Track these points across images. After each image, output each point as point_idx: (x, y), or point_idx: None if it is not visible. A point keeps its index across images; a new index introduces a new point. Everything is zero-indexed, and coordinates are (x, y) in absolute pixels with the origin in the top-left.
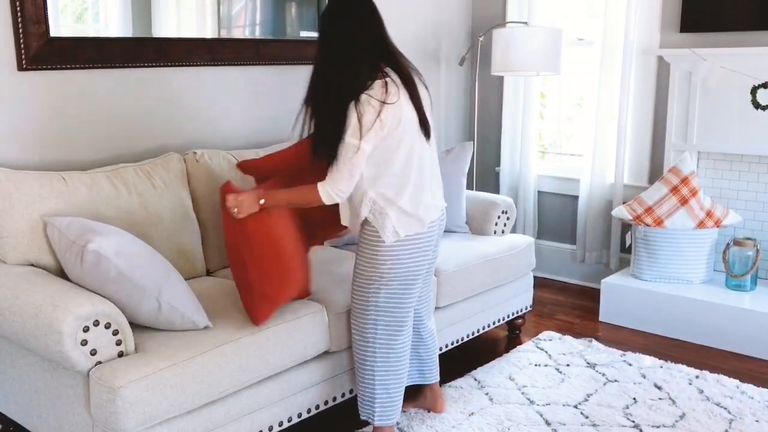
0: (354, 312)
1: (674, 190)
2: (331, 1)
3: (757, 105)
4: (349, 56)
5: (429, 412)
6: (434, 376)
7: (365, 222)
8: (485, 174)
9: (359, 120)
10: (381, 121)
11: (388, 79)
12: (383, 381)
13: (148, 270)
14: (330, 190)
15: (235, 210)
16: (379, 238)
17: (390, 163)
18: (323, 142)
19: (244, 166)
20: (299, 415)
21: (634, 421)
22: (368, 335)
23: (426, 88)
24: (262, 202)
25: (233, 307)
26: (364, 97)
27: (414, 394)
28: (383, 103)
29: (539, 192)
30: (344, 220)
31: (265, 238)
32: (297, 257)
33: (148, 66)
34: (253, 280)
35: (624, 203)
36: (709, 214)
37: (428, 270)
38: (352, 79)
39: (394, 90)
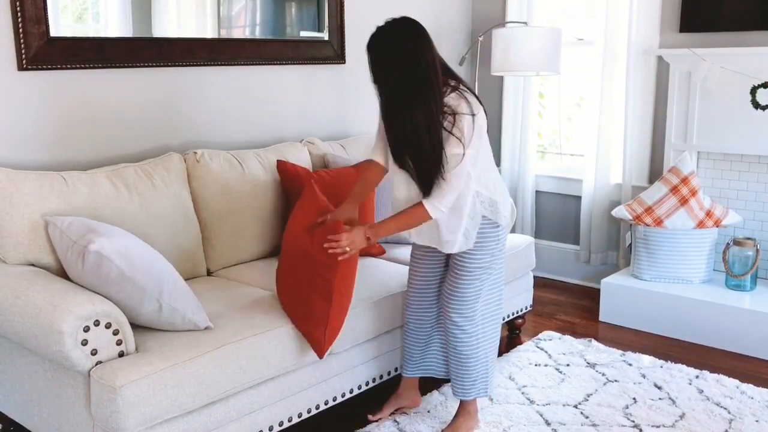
0: (462, 305)
1: (674, 190)
2: (391, 33)
3: (756, 105)
4: (432, 83)
5: (409, 410)
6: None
7: (481, 219)
8: None
9: (461, 133)
10: (477, 128)
11: (461, 91)
12: (492, 356)
13: (149, 271)
14: (438, 205)
15: (348, 249)
16: (496, 225)
17: (486, 156)
18: (428, 171)
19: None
20: (299, 415)
21: (634, 421)
22: (477, 321)
23: None
24: (368, 237)
25: (234, 307)
26: (458, 116)
27: (393, 395)
28: (473, 115)
29: (539, 192)
30: (450, 246)
31: (352, 275)
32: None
33: (148, 66)
34: (333, 315)
35: (624, 203)
36: (708, 214)
37: None
38: (441, 96)
39: (473, 99)
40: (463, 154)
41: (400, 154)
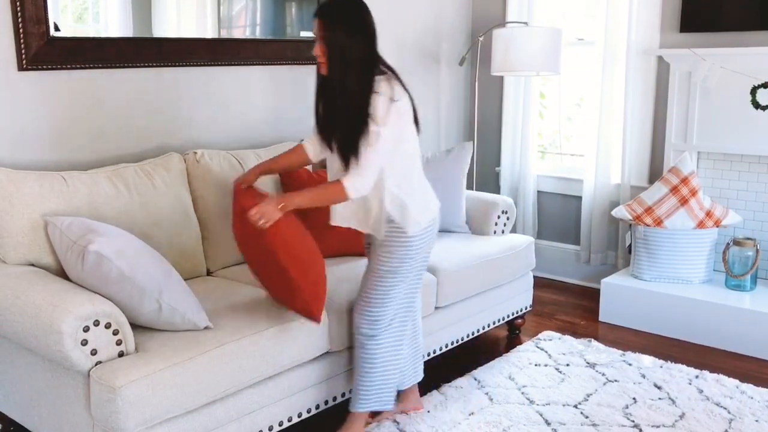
0: (368, 307)
1: (674, 190)
2: (343, 9)
3: (756, 105)
4: (370, 65)
5: (410, 413)
6: (420, 375)
7: (388, 221)
8: (485, 174)
9: (375, 111)
10: (397, 111)
11: (390, 76)
12: (387, 370)
13: (149, 271)
14: (356, 183)
15: (262, 221)
16: (405, 232)
17: (401, 153)
18: (351, 144)
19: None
20: (299, 415)
21: (633, 421)
22: (381, 328)
23: None
24: (281, 206)
25: (234, 307)
26: (374, 94)
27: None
28: (392, 99)
29: (540, 192)
30: (363, 226)
31: (293, 237)
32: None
33: (148, 66)
34: (298, 278)
35: (624, 203)
36: (708, 214)
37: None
38: (370, 86)
39: (398, 86)
40: (378, 132)
41: (330, 124)
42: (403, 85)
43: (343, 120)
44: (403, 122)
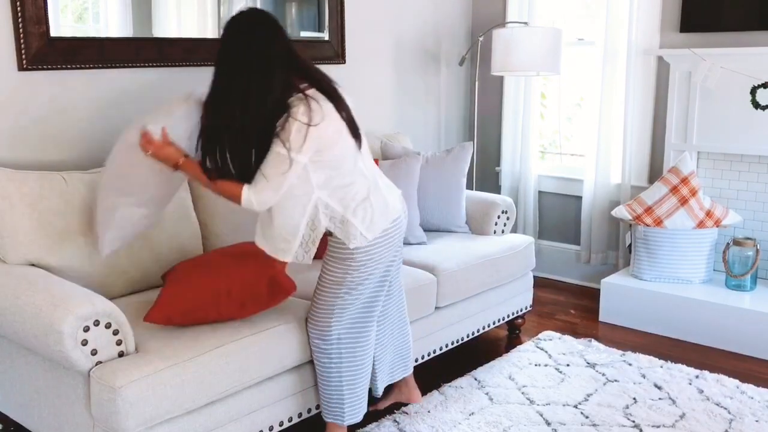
0: (315, 317)
1: (674, 190)
2: (237, 19)
3: (756, 105)
4: (265, 71)
5: (406, 405)
6: (410, 369)
7: (328, 234)
8: (485, 174)
9: (288, 136)
10: (313, 139)
11: (308, 97)
12: (350, 382)
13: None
14: (253, 197)
15: (151, 150)
16: (347, 246)
17: (339, 168)
18: (241, 160)
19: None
20: (299, 415)
21: (634, 421)
22: (331, 341)
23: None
24: (182, 161)
25: None
26: (290, 119)
27: (388, 389)
28: (308, 125)
29: (540, 192)
30: (288, 255)
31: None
32: None
33: (148, 66)
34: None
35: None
36: (708, 214)
37: (397, 267)
38: (269, 93)
39: (317, 107)
40: (290, 158)
41: (213, 142)
42: (339, 101)
43: (234, 142)
44: (335, 143)
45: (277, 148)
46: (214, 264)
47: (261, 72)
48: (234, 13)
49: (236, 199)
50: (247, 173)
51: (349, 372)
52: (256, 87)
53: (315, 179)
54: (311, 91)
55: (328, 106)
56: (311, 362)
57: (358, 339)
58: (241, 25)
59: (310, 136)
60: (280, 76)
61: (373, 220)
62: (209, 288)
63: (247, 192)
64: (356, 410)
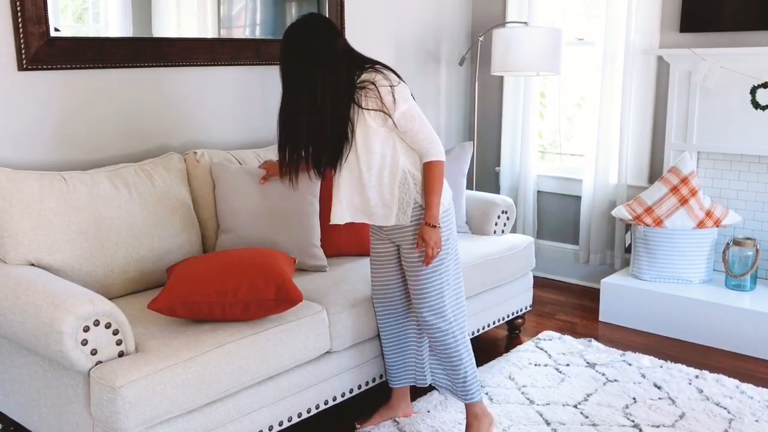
0: (428, 302)
1: (674, 190)
2: (301, 23)
3: (756, 105)
4: (332, 61)
5: (399, 419)
6: (429, 378)
7: (414, 204)
8: (485, 174)
9: (389, 98)
10: (401, 94)
11: (376, 68)
12: (470, 357)
13: None
14: (436, 148)
15: (437, 251)
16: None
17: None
18: (318, 144)
19: None
20: (299, 415)
21: (633, 421)
22: (449, 317)
23: None
24: (435, 226)
25: None
26: (378, 87)
27: (384, 406)
28: (392, 86)
29: (539, 192)
30: (386, 219)
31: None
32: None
33: (148, 66)
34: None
35: (623, 203)
36: (708, 214)
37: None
38: (339, 78)
39: (388, 72)
40: (405, 109)
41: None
42: (392, 70)
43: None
44: (412, 100)
45: (398, 111)
46: (224, 262)
47: (329, 63)
48: (293, 19)
49: (442, 165)
50: (323, 157)
51: (467, 347)
52: (328, 76)
53: (399, 145)
54: (377, 66)
55: (394, 73)
56: (312, 362)
57: (461, 312)
58: (304, 27)
59: (399, 93)
60: (345, 65)
61: (445, 188)
62: (216, 283)
63: (433, 156)
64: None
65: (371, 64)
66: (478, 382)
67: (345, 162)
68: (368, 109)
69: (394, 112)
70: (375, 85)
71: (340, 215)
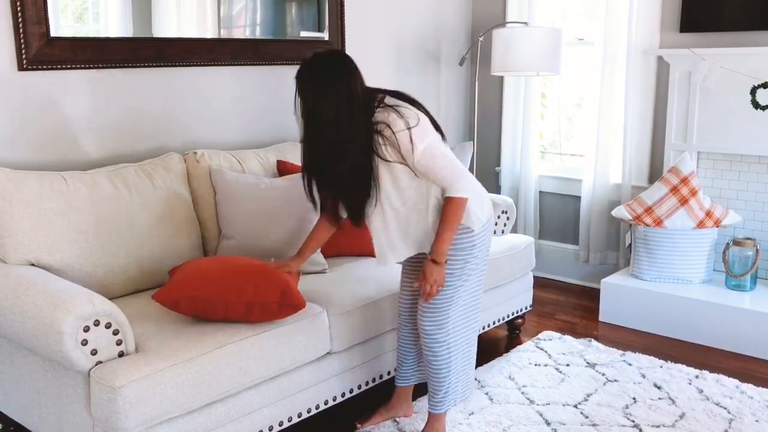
0: (431, 312)
1: (674, 190)
2: (314, 67)
3: (756, 105)
4: (354, 114)
5: (399, 419)
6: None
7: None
8: (485, 174)
9: (408, 142)
10: (419, 132)
11: (387, 106)
12: (462, 368)
13: None
14: (459, 185)
15: (439, 288)
16: (469, 230)
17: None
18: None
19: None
20: (299, 415)
21: (633, 421)
22: (449, 327)
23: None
24: (441, 262)
25: None
26: (395, 134)
27: (385, 406)
28: (409, 129)
29: (540, 192)
30: (420, 245)
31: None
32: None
33: (148, 66)
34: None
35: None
36: (708, 214)
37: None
38: (362, 133)
39: (403, 110)
40: (425, 148)
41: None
42: (408, 99)
43: (353, 181)
44: (431, 135)
45: (415, 154)
46: (231, 264)
47: (349, 125)
48: (293, 19)
49: (463, 202)
50: (348, 197)
51: (467, 356)
52: (347, 135)
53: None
54: (387, 99)
55: (407, 106)
56: (312, 363)
57: (468, 323)
58: (325, 78)
59: (416, 134)
60: (364, 110)
61: (483, 203)
62: (221, 282)
63: (455, 192)
64: (468, 389)
65: (381, 99)
66: (453, 399)
67: (376, 207)
68: (388, 161)
69: (412, 156)
70: (391, 129)
71: (388, 258)
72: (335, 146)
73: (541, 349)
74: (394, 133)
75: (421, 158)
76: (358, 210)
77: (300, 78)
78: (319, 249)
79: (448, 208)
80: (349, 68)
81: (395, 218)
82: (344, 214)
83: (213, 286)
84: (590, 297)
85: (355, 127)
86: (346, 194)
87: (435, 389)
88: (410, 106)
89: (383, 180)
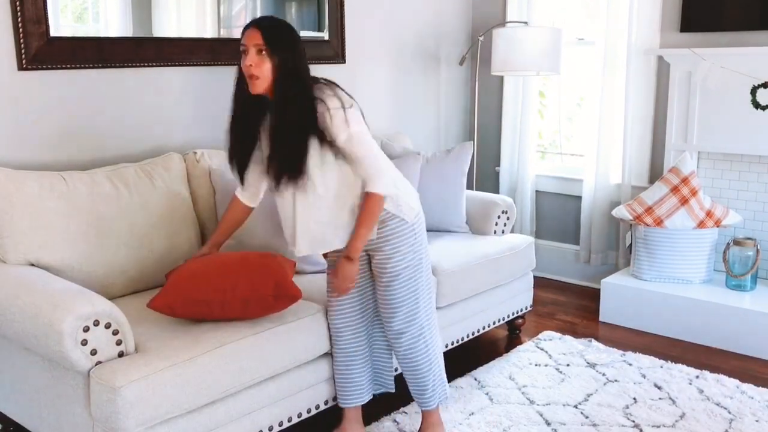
0: (402, 311)
1: (674, 190)
2: (283, 25)
3: (757, 105)
4: (309, 76)
5: (406, 404)
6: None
7: (384, 219)
8: (485, 174)
9: (333, 121)
10: (354, 114)
11: (326, 84)
12: (439, 358)
13: None
14: (382, 182)
15: (350, 285)
16: (404, 221)
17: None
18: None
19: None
20: (299, 415)
21: (634, 421)
22: (422, 322)
23: None
24: (352, 260)
25: None
26: (332, 111)
27: (335, 428)
28: (344, 108)
29: (539, 192)
30: (340, 242)
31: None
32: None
33: (148, 66)
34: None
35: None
36: (709, 214)
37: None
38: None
39: (340, 90)
40: (354, 132)
41: (277, 154)
42: (341, 88)
43: (295, 140)
44: (364, 124)
45: (345, 133)
46: (223, 261)
47: (308, 75)
48: (293, 19)
49: (382, 201)
50: (291, 164)
51: (438, 348)
52: (309, 91)
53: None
54: (323, 79)
55: (344, 90)
56: (311, 363)
57: (433, 319)
58: (289, 32)
59: (351, 115)
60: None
61: (411, 194)
62: (215, 281)
63: (376, 188)
64: (446, 385)
65: (317, 78)
66: (442, 390)
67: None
68: (320, 129)
69: (341, 135)
70: (327, 105)
71: (300, 247)
72: (295, 97)
73: (542, 349)
74: (328, 108)
75: (349, 140)
76: (288, 172)
77: (271, 26)
78: None
79: (367, 204)
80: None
81: (312, 206)
82: (263, 189)
83: (207, 286)
84: (590, 297)
85: (309, 84)
86: (284, 151)
87: (422, 387)
88: (345, 92)
89: (310, 157)
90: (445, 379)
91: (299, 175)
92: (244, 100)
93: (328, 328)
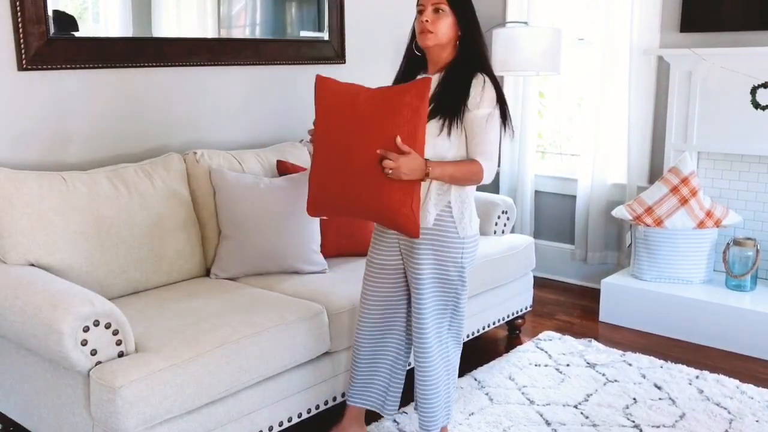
0: (423, 324)
1: (674, 190)
2: None
3: (757, 105)
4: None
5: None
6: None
7: (442, 216)
8: None
9: (485, 94)
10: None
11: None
12: (448, 390)
13: None
14: (490, 168)
15: (390, 171)
16: (456, 232)
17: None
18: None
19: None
20: (299, 415)
21: (634, 421)
22: (444, 337)
23: None
24: (427, 172)
25: (234, 307)
26: (486, 83)
27: (335, 428)
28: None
29: (538, 192)
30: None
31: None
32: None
33: (148, 66)
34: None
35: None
36: (708, 214)
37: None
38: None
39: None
40: (490, 112)
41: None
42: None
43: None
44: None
45: (489, 109)
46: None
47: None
48: (293, 19)
49: (479, 177)
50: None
51: (454, 369)
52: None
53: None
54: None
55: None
56: (311, 363)
57: (459, 339)
58: None
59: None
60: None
61: (475, 218)
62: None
63: (485, 166)
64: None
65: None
66: (449, 410)
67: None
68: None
69: (479, 109)
70: (485, 74)
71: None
72: (471, 50)
73: (541, 350)
74: (485, 79)
75: (489, 117)
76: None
77: None
78: (319, 249)
79: (469, 165)
80: None
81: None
82: None
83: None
84: (590, 297)
85: (481, 41)
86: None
87: (427, 409)
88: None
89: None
90: (451, 410)
91: (456, 114)
92: (409, 59)
93: (329, 328)
